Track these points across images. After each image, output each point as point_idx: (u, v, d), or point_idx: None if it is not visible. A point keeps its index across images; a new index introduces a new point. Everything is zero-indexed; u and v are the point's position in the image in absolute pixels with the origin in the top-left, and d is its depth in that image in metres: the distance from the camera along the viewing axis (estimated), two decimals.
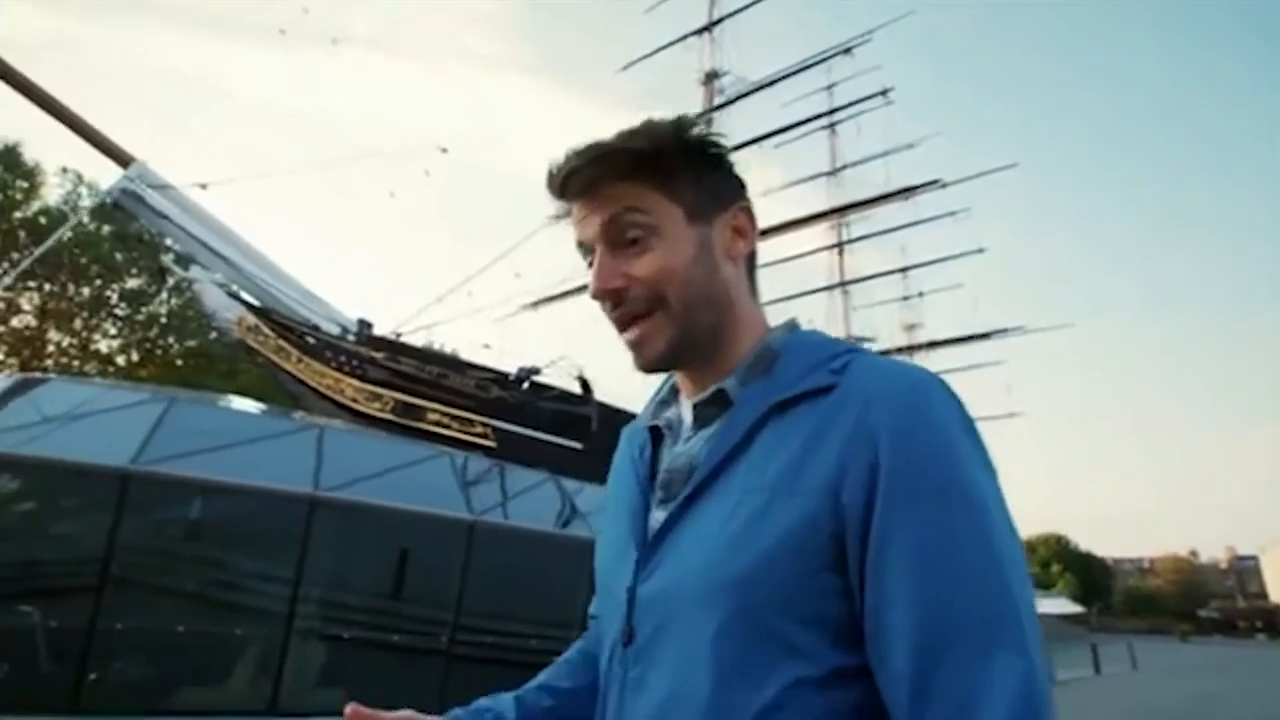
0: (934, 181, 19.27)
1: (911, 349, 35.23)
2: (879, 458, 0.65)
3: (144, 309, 25.60)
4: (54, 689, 4.94)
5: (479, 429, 13.32)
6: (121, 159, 10.12)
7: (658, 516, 0.77)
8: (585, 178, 0.76)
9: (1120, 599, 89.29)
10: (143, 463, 5.57)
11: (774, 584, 0.65)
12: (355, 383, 12.09)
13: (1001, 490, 0.68)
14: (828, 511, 0.65)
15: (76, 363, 24.93)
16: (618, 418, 15.56)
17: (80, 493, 5.52)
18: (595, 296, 0.78)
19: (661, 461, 0.83)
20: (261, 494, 5.93)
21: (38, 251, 13.56)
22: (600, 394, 15.07)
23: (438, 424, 12.93)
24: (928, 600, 0.61)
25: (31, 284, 23.02)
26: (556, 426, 13.98)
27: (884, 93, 22.14)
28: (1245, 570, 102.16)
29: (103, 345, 25.76)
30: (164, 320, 26.01)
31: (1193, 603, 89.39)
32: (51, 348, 24.86)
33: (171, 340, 25.81)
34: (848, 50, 22.31)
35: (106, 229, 23.01)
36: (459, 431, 13.04)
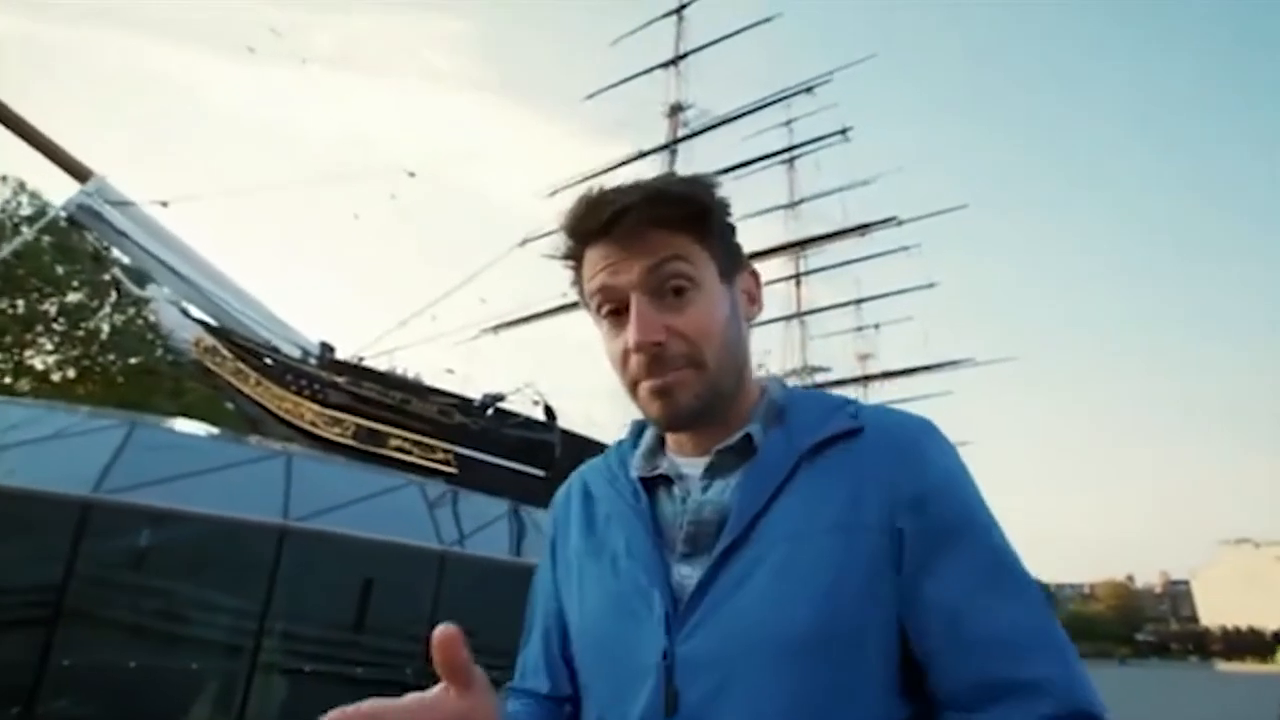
0: (890, 219, 19.97)
1: (866, 379, 36.11)
2: (925, 495, 0.69)
3: (84, 324, 24.61)
4: None
5: (440, 455, 13.16)
6: (79, 173, 9.84)
7: (684, 571, 0.73)
8: (637, 219, 0.72)
9: (1062, 623, 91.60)
10: (105, 491, 5.40)
11: (860, 623, 0.66)
12: (316, 407, 11.86)
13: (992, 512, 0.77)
14: (887, 542, 0.68)
15: (8, 379, 23.78)
16: (582, 445, 15.55)
17: (37, 522, 5.31)
18: (637, 349, 0.73)
19: (663, 512, 0.79)
20: (229, 524, 5.79)
21: None
22: (563, 421, 15.10)
23: (399, 449, 12.74)
24: (971, 585, 0.67)
25: None
26: (520, 453, 13.90)
27: (843, 131, 22.93)
28: (1178, 594, 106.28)
29: (37, 361, 24.63)
30: (105, 337, 25.04)
31: (1130, 627, 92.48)
32: None
33: (113, 357, 24.83)
34: (809, 89, 23.06)
35: (47, 240, 22.14)
36: (420, 457, 12.87)
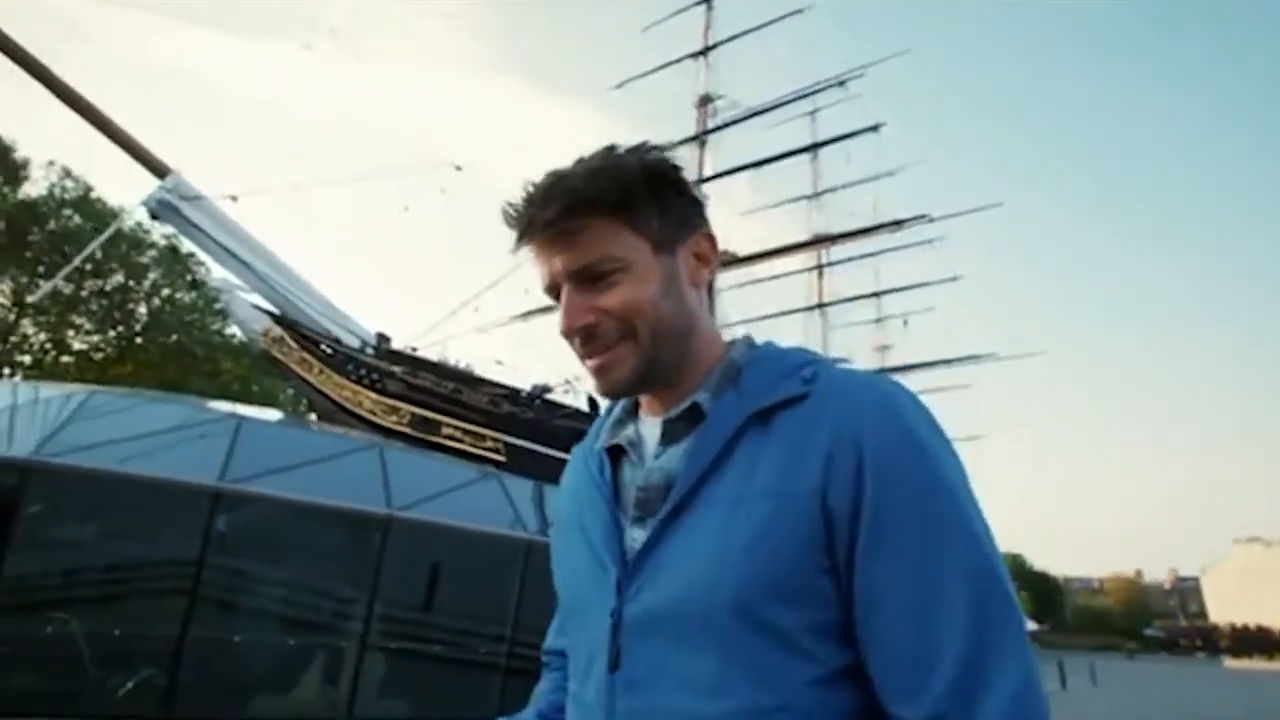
0: (922, 216, 20.10)
1: (884, 371, 36.32)
2: (863, 462, 0.67)
3: (126, 305, 25.15)
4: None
5: (490, 443, 13.60)
6: (158, 169, 10.24)
7: (635, 535, 0.76)
8: (550, 223, 0.75)
9: (1071, 617, 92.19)
10: (228, 481, 5.84)
11: (779, 586, 0.66)
12: (374, 395, 12.30)
13: (970, 481, 0.71)
14: (818, 516, 0.67)
15: (50, 356, 24.42)
16: None
17: (170, 509, 5.75)
18: (565, 334, 0.78)
19: (624, 480, 0.82)
20: (339, 513, 6.22)
21: (75, 260, 13.46)
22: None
23: (451, 438, 13.18)
24: (924, 581, 0.64)
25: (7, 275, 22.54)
26: (566, 443, 14.28)
27: (875, 128, 23.02)
28: (1187, 590, 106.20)
29: (76, 342, 25.23)
30: (145, 318, 25.60)
31: (1138, 621, 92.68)
32: (26, 341, 24.31)
33: (156, 336, 25.39)
34: (842, 83, 23.15)
35: (91, 225, 22.64)
36: (471, 445, 13.31)
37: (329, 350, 12.02)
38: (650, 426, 0.82)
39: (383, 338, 12.85)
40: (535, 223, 0.76)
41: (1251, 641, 78.98)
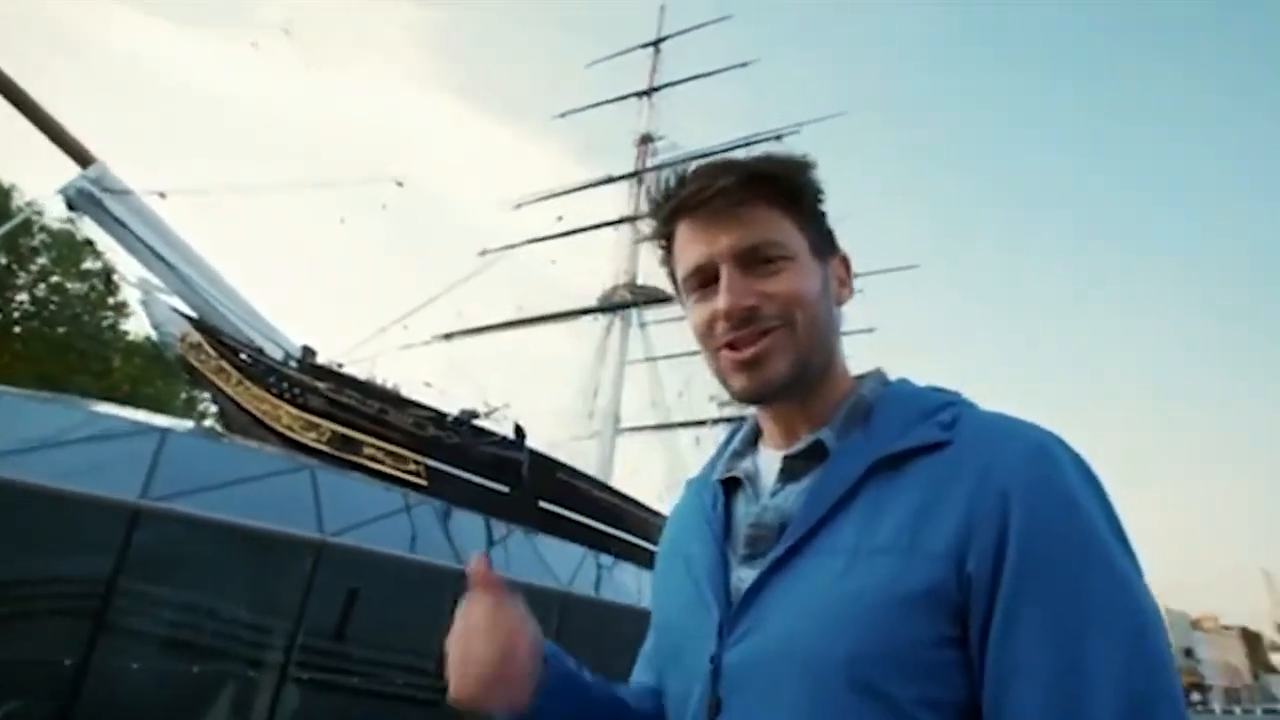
0: None
1: None
2: (1008, 527, 0.60)
3: (4, 291, 23.13)
4: None
5: (412, 466, 13.26)
6: (81, 156, 9.64)
7: (742, 575, 0.71)
8: (734, 198, 0.72)
9: None
10: (150, 498, 5.53)
11: (893, 656, 0.60)
12: (293, 410, 11.80)
13: (1137, 556, 0.62)
14: (952, 581, 0.60)
15: None
16: (548, 465, 15.89)
17: (82, 526, 5.39)
18: (727, 314, 0.72)
19: (737, 515, 0.78)
20: (267, 537, 5.98)
21: None
22: (532, 441, 15.40)
23: (372, 458, 12.78)
24: (1070, 667, 0.56)
25: None
26: (489, 470, 14.11)
27: None
28: None
29: None
30: (28, 306, 23.62)
31: None
32: None
33: (38, 327, 23.41)
34: (779, 137, 24.27)
35: None
36: (392, 467, 12.93)
37: (249, 360, 11.50)
38: (770, 461, 0.78)
39: (308, 351, 12.40)
40: (705, 193, 0.73)
41: None
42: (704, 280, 0.75)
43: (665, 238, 0.80)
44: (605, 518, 16.89)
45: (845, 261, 0.82)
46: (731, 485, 0.80)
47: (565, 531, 15.22)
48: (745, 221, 0.73)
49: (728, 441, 0.87)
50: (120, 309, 24.19)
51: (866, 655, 0.60)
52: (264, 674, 5.84)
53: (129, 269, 10.24)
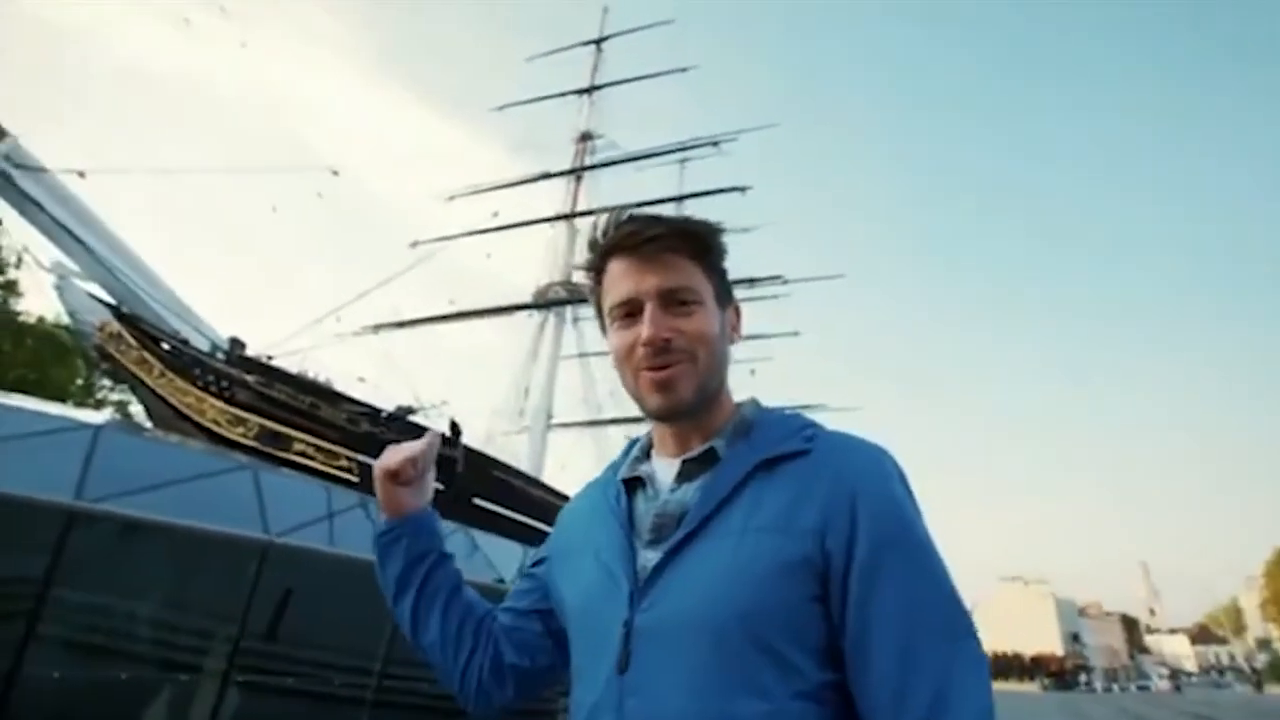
0: (777, 277, 21.95)
1: None
2: (856, 513, 0.79)
3: None
4: None
5: (344, 462, 12.97)
6: None
7: (648, 556, 0.85)
8: (664, 245, 0.89)
9: None
10: (85, 499, 5.35)
11: (774, 610, 0.76)
12: (219, 404, 11.36)
13: (934, 539, 0.83)
14: (816, 554, 0.78)
15: None
16: (482, 462, 15.82)
17: (12, 529, 5.16)
18: (648, 342, 0.88)
19: (638, 509, 0.92)
20: (211, 539, 5.86)
21: None
22: (467, 438, 15.28)
23: (302, 454, 12.44)
24: (906, 617, 0.76)
25: None
26: None
27: (742, 189, 24.75)
28: None
29: None
30: None
31: None
32: None
33: None
34: (715, 143, 24.80)
35: None
36: (323, 463, 12.62)
37: (173, 351, 11.00)
38: (664, 466, 0.94)
39: (236, 343, 11.94)
40: (638, 238, 0.89)
41: (1008, 666, 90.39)
42: (629, 311, 0.91)
43: (598, 270, 0.95)
44: (539, 514, 16.94)
45: (738, 310, 0.99)
46: (632, 485, 0.96)
47: (499, 528, 15.21)
48: (669, 268, 0.90)
49: (628, 451, 1.03)
50: (10, 288, 22.44)
51: (756, 611, 0.76)
52: (205, 679, 5.73)
53: (44, 251, 9.63)
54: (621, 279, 0.91)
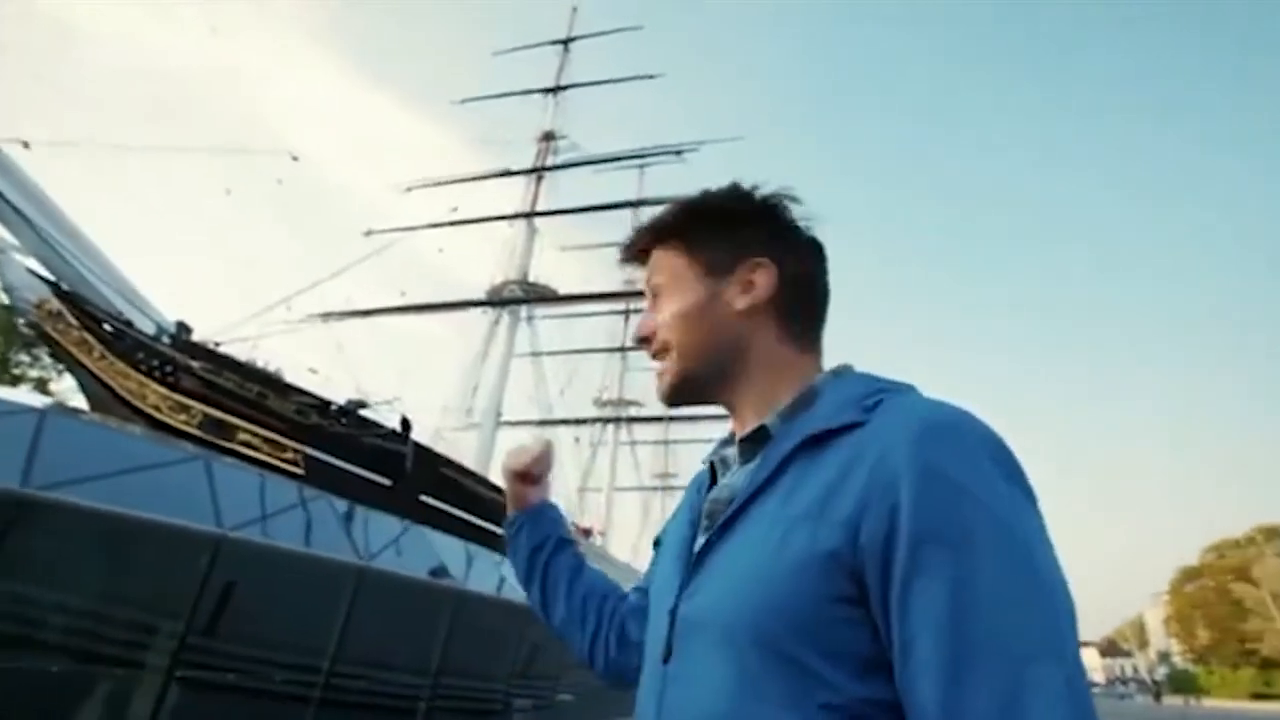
0: None
1: (669, 419, 38.98)
2: (900, 497, 0.63)
3: None
4: None
5: (290, 454, 12.72)
6: None
7: (701, 542, 0.80)
8: (634, 249, 0.93)
9: None
10: (32, 487, 5.21)
11: (790, 613, 0.66)
12: (162, 390, 11.01)
13: (1038, 521, 0.65)
14: (848, 547, 0.64)
15: None
16: (432, 459, 15.69)
17: None
18: (636, 345, 0.91)
19: (711, 494, 0.88)
20: (162, 531, 5.75)
21: None
22: (417, 434, 15.15)
23: (246, 444, 12.16)
24: (960, 628, 0.59)
25: None
26: (371, 461, 13.76)
27: None
28: None
29: None
30: None
31: None
32: None
33: None
34: (678, 153, 25.16)
35: None
36: (268, 455, 12.37)
37: (115, 333, 10.62)
38: (735, 448, 0.88)
39: (183, 327, 11.59)
40: (630, 249, 0.93)
41: None
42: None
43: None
44: (486, 513, 16.87)
45: (759, 265, 0.85)
46: (716, 469, 0.91)
47: (446, 526, 15.10)
48: (650, 266, 0.92)
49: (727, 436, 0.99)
50: None
51: (770, 611, 0.66)
52: (147, 675, 5.62)
53: None
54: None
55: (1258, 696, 52.95)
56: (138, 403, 10.79)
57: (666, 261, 0.88)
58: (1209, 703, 54.32)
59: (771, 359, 0.85)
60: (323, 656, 6.59)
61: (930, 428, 0.66)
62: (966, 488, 0.63)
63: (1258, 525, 57.26)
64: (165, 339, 11.25)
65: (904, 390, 0.78)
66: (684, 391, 0.87)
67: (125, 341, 10.63)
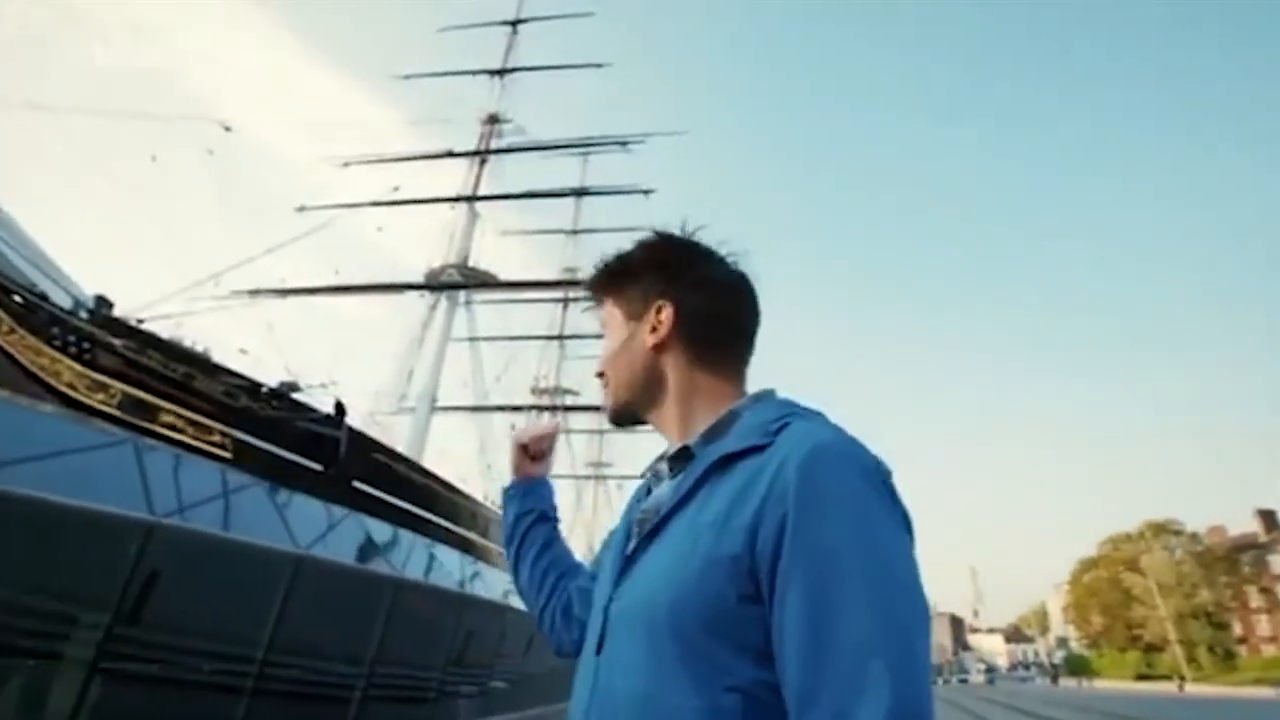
0: None
1: (603, 409, 39.00)
2: (788, 510, 0.74)
3: None
4: None
5: (217, 438, 12.23)
6: None
7: (632, 547, 0.91)
8: (592, 300, 1.10)
9: None
10: None
11: (700, 608, 0.76)
12: (78, 367, 10.42)
13: (902, 538, 0.76)
14: (747, 553, 0.76)
15: None
16: (368, 445, 15.33)
17: None
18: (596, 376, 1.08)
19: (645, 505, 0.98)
20: (89, 518, 5.53)
21: None
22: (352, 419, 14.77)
23: (170, 426, 11.61)
24: (809, 650, 0.70)
25: None
26: (303, 446, 13.36)
27: (647, 192, 25.23)
28: None
29: None
30: None
31: None
32: None
33: None
34: (624, 144, 25.16)
35: None
36: (194, 438, 11.84)
37: (26, 305, 9.98)
38: (665, 464, 1.01)
39: (102, 301, 10.99)
40: (588, 298, 1.11)
41: None
42: None
43: None
44: (420, 500, 16.62)
45: (659, 309, 1.00)
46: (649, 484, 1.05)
47: (379, 513, 14.83)
48: (596, 310, 1.10)
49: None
50: None
51: (682, 607, 0.77)
52: (70, 667, 5.41)
53: None
54: None
55: (1141, 677, 57.31)
56: (51, 380, 10.17)
57: (605, 311, 1.07)
58: (1099, 683, 58.47)
59: (687, 386, 0.98)
60: (257, 646, 6.48)
61: (819, 451, 0.78)
62: (841, 506, 0.75)
63: (1147, 521, 61.64)
64: (83, 314, 10.65)
65: (809, 416, 0.88)
66: (621, 415, 1.04)
67: (38, 315, 10.00)
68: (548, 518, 1.27)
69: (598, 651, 0.87)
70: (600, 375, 1.06)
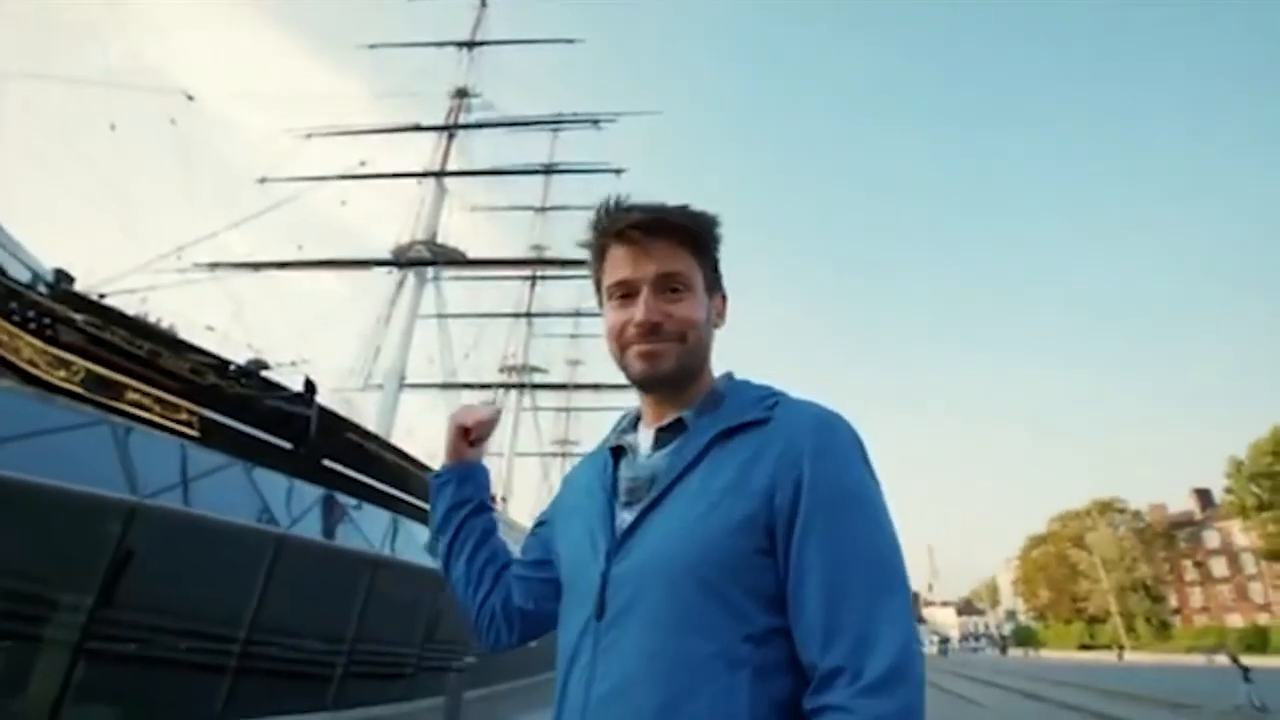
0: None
1: (573, 387, 39.16)
2: (802, 474, 0.87)
3: None
4: None
5: (184, 416, 12.03)
6: None
7: (625, 517, 0.95)
8: (662, 234, 0.99)
9: None
10: None
11: (723, 560, 0.85)
12: (38, 344, 10.15)
13: (882, 493, 0.91)
14: (764, 511, 0.86)
15: None
16: (337, 423, 15.22)
17: None
18: (640, 324, 0.98)
19: (621, 474, 1.02)
20: (69, 499, 5.48)
21: None
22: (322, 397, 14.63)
23: (135, 404, 11.40)
24: (836, 568, 0.83)
25: None
26: (272, 424, 13.22)
27: (618, 171, 25.12)
28: None
29: None
30: None
31: None
32: None
33: None
34: (595, 122, 24.99)
35: None
36: (160, 415, 11.65)
37: None
38: (645, 435, 1.04)
39: (63, 276, 10.69)
40: (639, 227, 0.98)
41: None
42: (626, 292, 1.00)
43: (600, 249, 1.04)
44: (389, 478, 16.58)
45: (724, 298, 1.08)
46: (619, 453, 1.05)
47: (348, 491, 14.77)
48: (665, 255, 0.99)
49: (619, 423, 1.12)
50: None
51: (706, 561, 0.85)
52: (56, 649, 5.40)
53: None
54: (622, 262, 1.00)
55: (1083, 647, 60.06)
56: (11, 356, 9.90)
57: (684, 264, 1.00)
58: (1045, 653, 61.09)
59: (706, 369, 1.05)
60: (240, 626, 6.51)
61: (821, 423, 0.92)
62: (848, 466, 0.89)
63: (1094, 499, 64.23)
64: (42, 288, 10.35)
65: (786, 394, 1.00)
66: (677, 376, 1.00)
67: None
68: (485, 507, 1.23)
69: (598, 617, 0.90)
70: (654, 326, 0.98)
